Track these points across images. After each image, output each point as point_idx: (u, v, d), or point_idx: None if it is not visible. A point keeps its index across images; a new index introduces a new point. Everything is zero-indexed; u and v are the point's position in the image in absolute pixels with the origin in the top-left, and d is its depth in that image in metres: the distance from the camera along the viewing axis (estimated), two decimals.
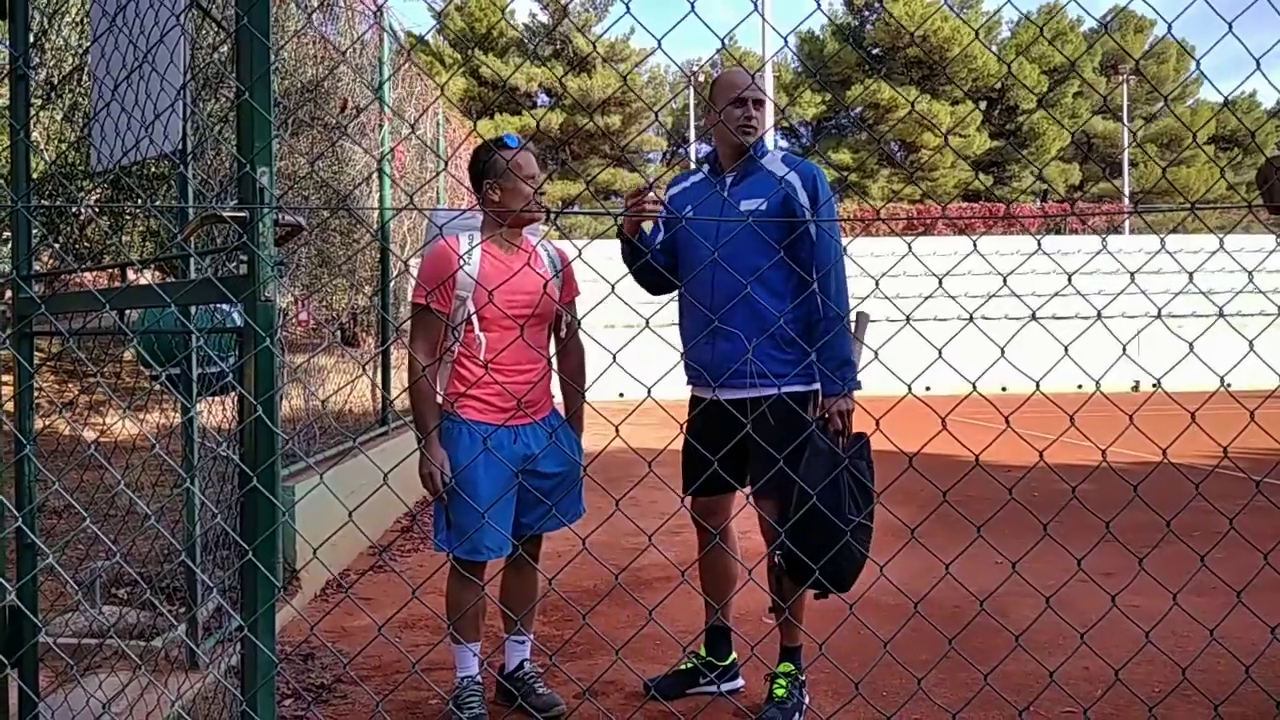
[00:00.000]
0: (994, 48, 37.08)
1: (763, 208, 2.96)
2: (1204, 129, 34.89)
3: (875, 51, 37.27)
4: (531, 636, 3.28)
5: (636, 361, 3.36)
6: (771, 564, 2.96)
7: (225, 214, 1.36)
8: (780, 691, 3.08)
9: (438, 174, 8.17)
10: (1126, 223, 26.62)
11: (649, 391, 1.59)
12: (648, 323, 1.62)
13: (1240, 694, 2.90)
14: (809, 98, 35.67)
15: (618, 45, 36.42)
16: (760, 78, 3.08)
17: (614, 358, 1.51)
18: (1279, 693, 2.96)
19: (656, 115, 1.60)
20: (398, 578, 4.88)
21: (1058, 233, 25.44)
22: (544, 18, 37.53)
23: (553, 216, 2.95)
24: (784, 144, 37.99)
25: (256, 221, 1.41)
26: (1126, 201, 32.80)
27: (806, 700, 3.14)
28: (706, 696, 3.26)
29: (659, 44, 1.91)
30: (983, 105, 36.44)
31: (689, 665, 3.33)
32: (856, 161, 35.92)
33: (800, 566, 2.75)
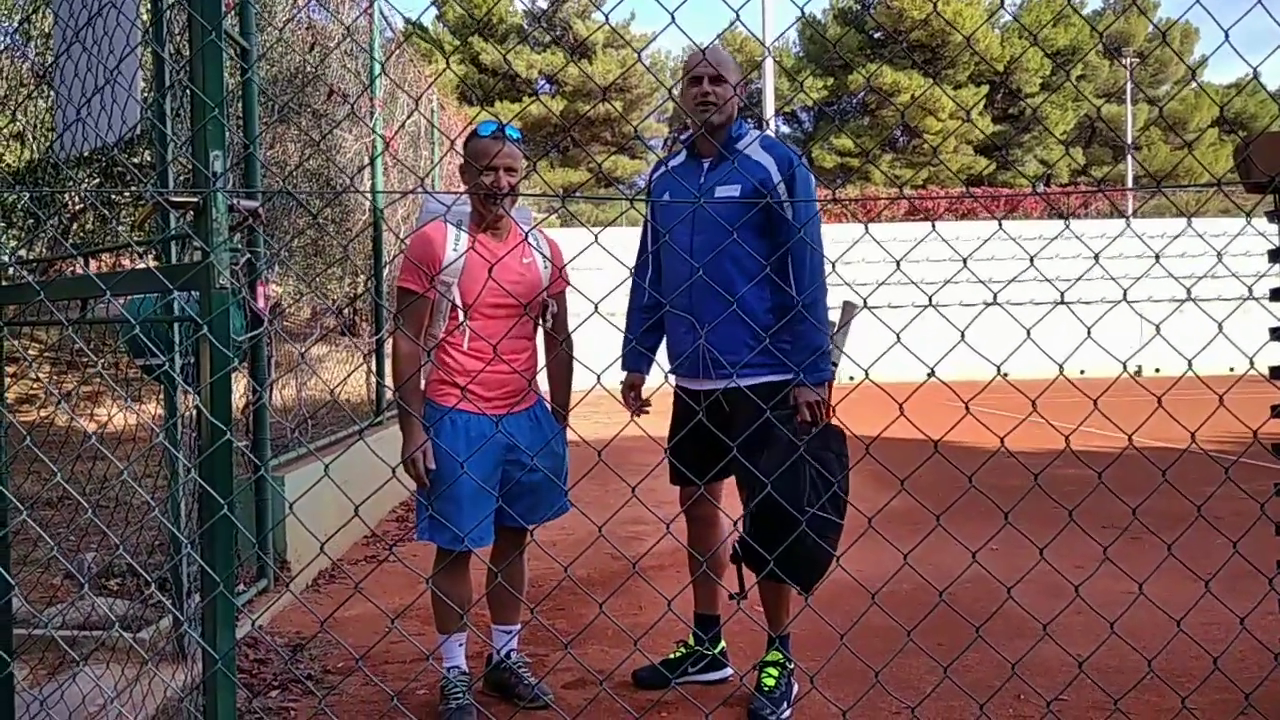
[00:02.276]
0: (997, 30, 36.80)
1: (736, 194, 2.92)
2: (1206, 112, 34.65)
3: (877, 35, 37.02)
4: (519, 626, 3.25)
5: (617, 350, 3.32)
6: (731, 551, 2.94)
7: (174, 199, 1.33)
8: (769, 681, 3.05)
9: (374, 154, 8.13)
10: (1129, 205, 26.43)
11: (598, 379, 1.55)
12: (596, 307, 1.58)
13: (1223, 682, 2.87)
14: (810, 83, 35.44)
15: (618, 30, 36.20)
16: (730, 60, 3.03)
17: (564, 343, 1.46)
18: (1248, 683, 2.93)
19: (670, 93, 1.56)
20: (390, 568, 4.86)
21: (1061, 216, 25.28)
22: (544, 2, 37.31)
23: (500, 199, 2.90)
24: (785, 129, 37.77)
25: (208, 206, 1.38)
26: (1129, 183, 32.57)
27: (795, 689, 3.12)
28: (694, 685, 3.24)
29: (672, 18, 1.85)
30: (985, 89, 36.17)
31: (677, 654, 3.31)
32: (859, 147, 35.71)
33: (756, 558, 2.72)
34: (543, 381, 3.06)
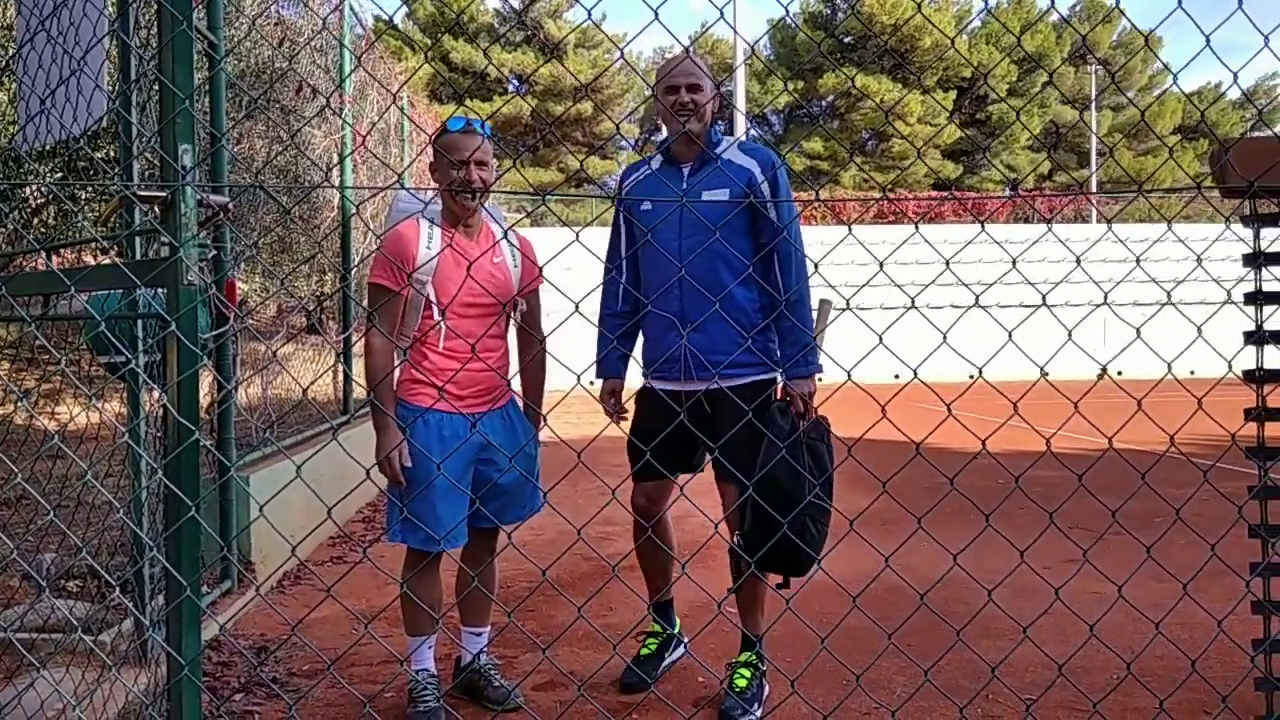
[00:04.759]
0: (965, 37, 37.17)
1: (725, 197, 2.95)
2: (1169, 119, 35.26)
3: (847, 40, 37.26)
4: (489, 628, 3.22)
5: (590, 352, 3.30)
6: (731, 548, 2.94)
7: (142, 193, 1.29)
8: (741, 681, 3.05)
9: (343, 150, 8.07)
10: (1094, 211, 26.79)
11: (578, 379, 1.54)
12: (577, 307, 1.57)
13: (1192, 682, 2.90)
14: (782, 86, 35.60)
15: (590, 31, 36.09)
16: (706, 62, 3.04)
17: (541, 343, 1.45)
18: (1226, 682, 2.97)
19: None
20: (358, 569, 4.80)
21: (1026, 221, 25.54)
22: (516, 1, 37.14)
23: (479, 198, 2.89)
24: (755, 132, 37.94)
25: (177, 201, 1.34)
26: (1094, 188, 33.03)
27: (767, 689, 3.12)
28: (666, 686, 3.23)
29: (656, 15, 1.83)
30: (953, 94, 36.53)
31: (649, 649, 3.33)
32: (828, 150, 35.92)
33: (760, 551, 2.74)
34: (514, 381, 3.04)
